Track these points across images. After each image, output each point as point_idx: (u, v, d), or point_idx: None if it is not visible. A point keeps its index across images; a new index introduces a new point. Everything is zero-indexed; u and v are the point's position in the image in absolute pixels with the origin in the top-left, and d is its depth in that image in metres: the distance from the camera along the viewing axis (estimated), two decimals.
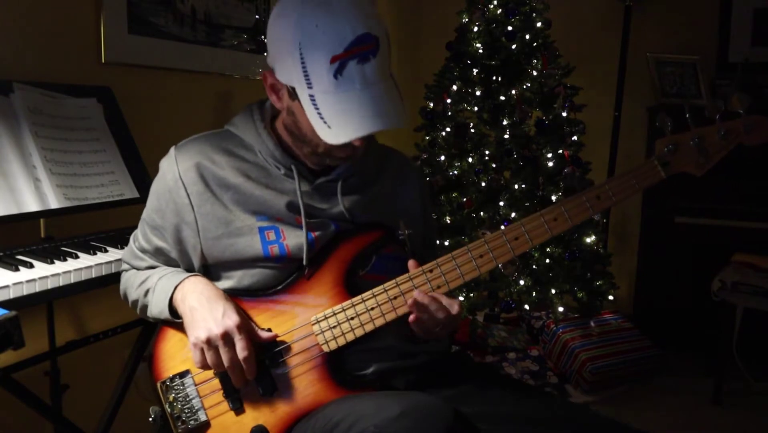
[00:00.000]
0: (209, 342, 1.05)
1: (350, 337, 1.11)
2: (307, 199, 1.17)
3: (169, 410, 1.12)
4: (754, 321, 2.54)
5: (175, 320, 1.14)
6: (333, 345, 1.11)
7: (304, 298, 1.13)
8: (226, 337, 1.05)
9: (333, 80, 1.02)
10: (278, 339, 1.12)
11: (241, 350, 1.05)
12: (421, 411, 0.93)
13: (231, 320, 1.06)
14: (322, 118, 1.03)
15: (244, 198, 1.15)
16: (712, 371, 2.60)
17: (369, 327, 1.11)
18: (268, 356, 1.11)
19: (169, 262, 1.22)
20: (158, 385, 1.14)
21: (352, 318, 1.11)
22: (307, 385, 1.10)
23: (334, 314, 1.11)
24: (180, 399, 1.12)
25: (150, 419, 1.16)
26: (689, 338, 2.95)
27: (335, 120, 1.03)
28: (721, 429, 2.37)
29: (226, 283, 1.17)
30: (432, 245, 1.37)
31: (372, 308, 1.11)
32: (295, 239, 1.14)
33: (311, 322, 1.12)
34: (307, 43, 1.01)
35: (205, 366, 1.08)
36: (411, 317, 1.09)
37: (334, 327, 1.11)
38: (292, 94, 1.07)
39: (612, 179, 1.11)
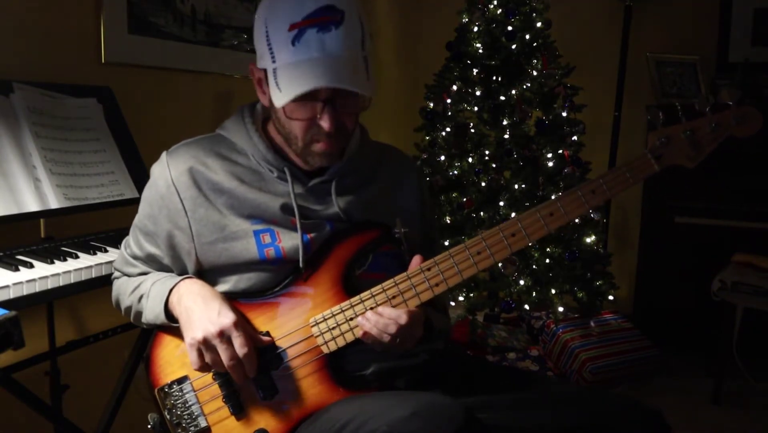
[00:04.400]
0: (206, 342, 1.04)
1: (350, 337, 1.10)
2: (301, 201, 1.16)
3: (168, 416, 1.11)
4: (754, 321, 2.53)
5: (171, 324, 1.13)
6: (333, 346, 1.10)
7: (302, 299, 1.13)
8: (223, 335, 1.03)
9: (291, 48, 1.02)
10: (277, 342, 1.11)
11: (240, 346, 1.04)
12: (434, 411, 0.93)
13: (227, 318, 1.05)
14: (277, 86, 1.04)
15: (237, 202, 1.14)
16: (712, 371, 2.60)
17: None
18: (268, 359, 1.10)
19: (162, 268, 1.22)
20: (156, 391, 1.13)
21: (352, 319, 1.10)
22: (308, 387, 1.10)
23: (333, 315, 1.11)
24: (179, 406, 1.11)
25: (149, 426, 1.15)
26: (689, 338, 2.95)
27: (286, 82, 1.03)
28: (721, 429, 2.37)
29: (222, 287, 1.16)
30: (432, 243, 1.36)
31: (371, 308, 1.09)
32: (290, 241, 1.13)
33: (310, 324, 1.11)
34: (271, 16, 1.04)
35: (203, 367, 1.07)
36: (363, 337, 1.07)
37: (334, 328, 1.11)
38: (266, 78, 1.07)
39: (606, 173, 1.12)
